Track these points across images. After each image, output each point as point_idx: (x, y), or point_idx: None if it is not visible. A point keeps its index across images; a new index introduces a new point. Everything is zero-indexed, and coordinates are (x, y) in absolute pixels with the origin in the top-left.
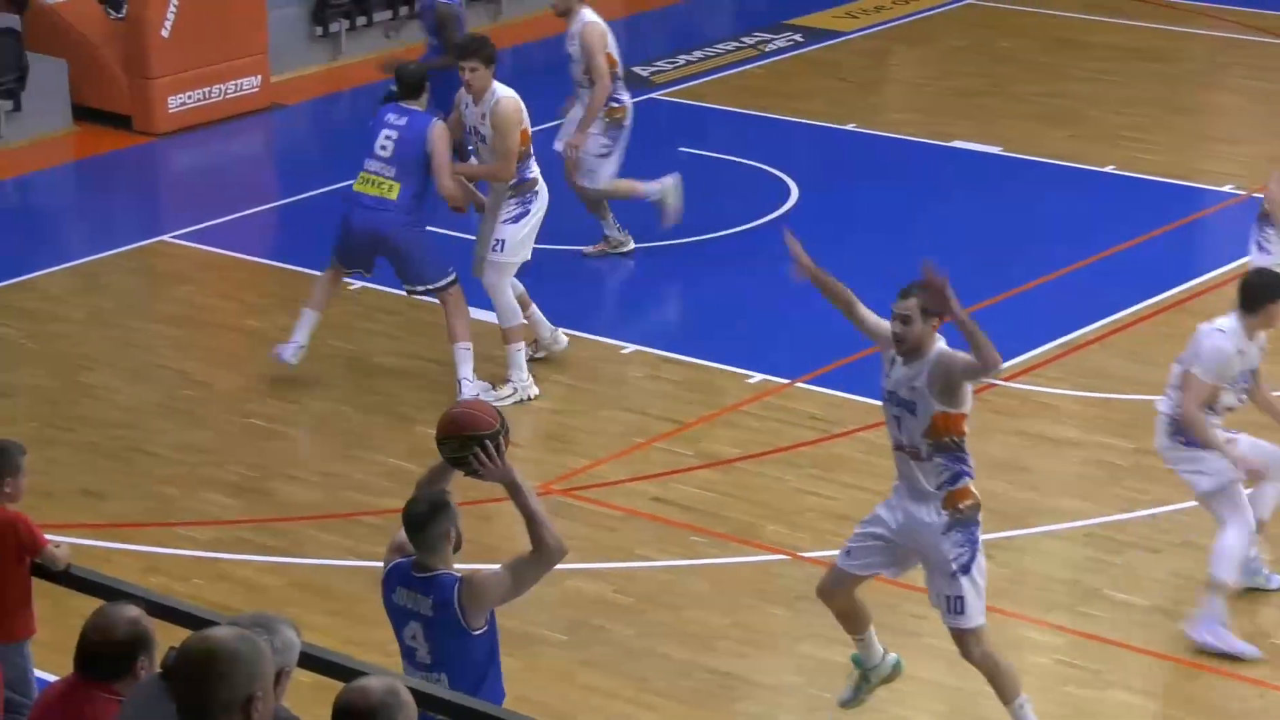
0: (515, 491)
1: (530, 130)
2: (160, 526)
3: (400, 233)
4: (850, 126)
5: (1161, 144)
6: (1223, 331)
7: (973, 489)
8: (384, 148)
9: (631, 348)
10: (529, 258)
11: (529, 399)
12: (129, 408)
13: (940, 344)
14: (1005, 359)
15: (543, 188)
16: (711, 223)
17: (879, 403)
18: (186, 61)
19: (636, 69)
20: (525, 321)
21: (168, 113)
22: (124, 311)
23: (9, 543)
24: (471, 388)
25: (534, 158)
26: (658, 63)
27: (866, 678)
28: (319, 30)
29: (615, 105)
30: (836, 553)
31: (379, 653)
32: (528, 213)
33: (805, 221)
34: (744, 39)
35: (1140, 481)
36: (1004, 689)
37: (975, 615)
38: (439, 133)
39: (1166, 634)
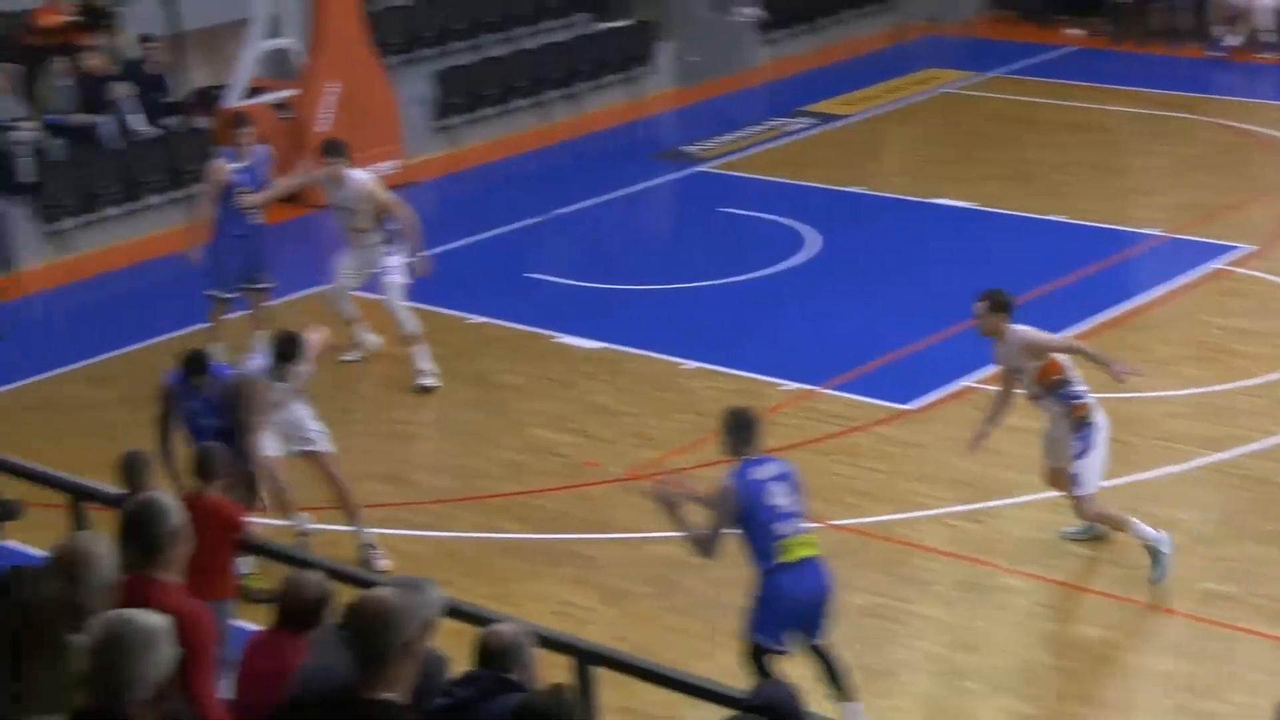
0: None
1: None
2: (332, 509)
3: None
4: (854, 188)
5: (1096, 196)
6: None
7: None
8: None
9: (692, 364)
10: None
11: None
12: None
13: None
14: (982, 368)
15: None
16: (748, 265)
17: (889, 404)
18: None
19: (686, 148)
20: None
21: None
22: None
23: (219, 522)
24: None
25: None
26: (703, 142)
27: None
28: (440, 123)
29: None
30: (857, 520)
31: (507, 605)
32: (398, 249)
33: (821, 263)
34: (769, 122)
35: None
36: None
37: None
38: None
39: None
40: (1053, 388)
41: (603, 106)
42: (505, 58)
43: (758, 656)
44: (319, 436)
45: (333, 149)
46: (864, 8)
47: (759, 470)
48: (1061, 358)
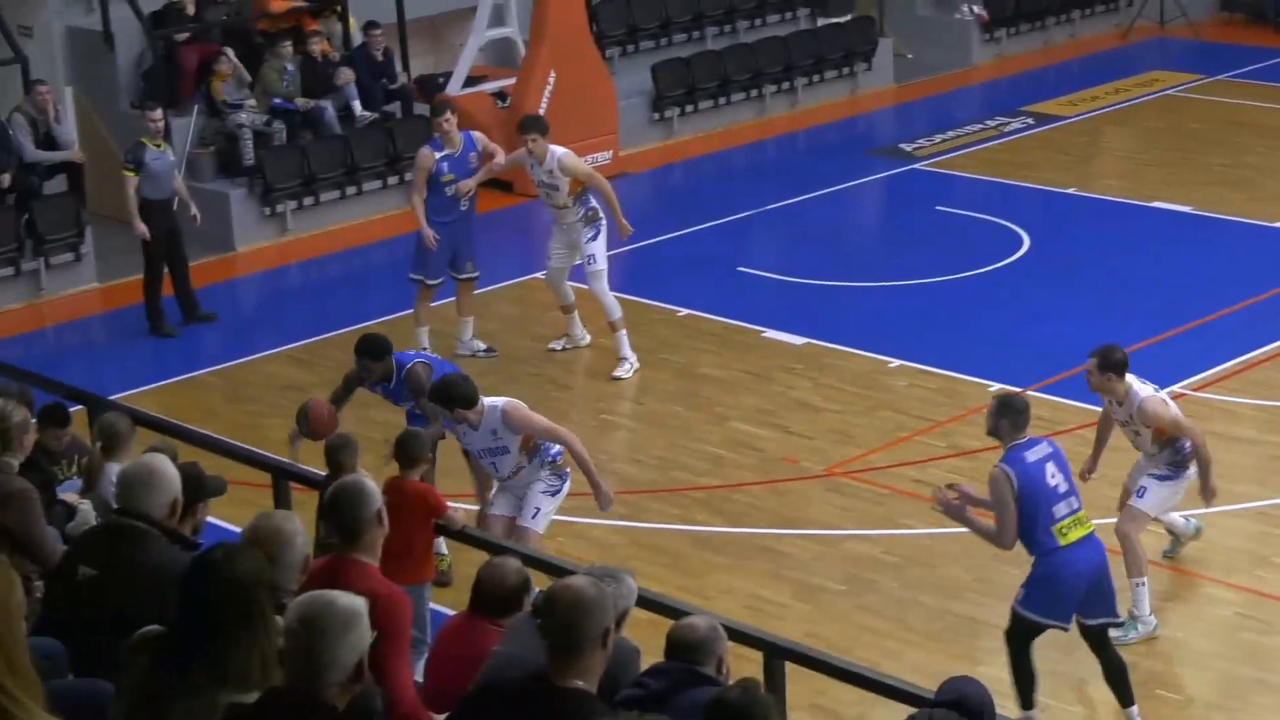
0: None
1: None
2: None
3: None
4: (1071, 190)
5: None
6: None
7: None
8: None
9: (897, 363)
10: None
11: (635, 369)
12: None
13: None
14: (1192, 375)
15: (603, 215)
16: (960, 265)
17: (1095, 407)
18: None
19: (903, 145)
20: (621, 316)
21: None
22: (507, 332)
23: (420, 507)
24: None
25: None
26: (920, 140)
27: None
28: (656, 115)
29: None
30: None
31: (699, 597)
32: (599, 231)
33: (1033, 264)
34: (987, 122)
35: None
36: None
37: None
38: None
39: None
40: (1167, 444)
41: (820, 102)
42: (723, 51)
43: (1023, 635)
44: None
45: (529, 124)
46: (1091, 8)
47: (1031, 452)
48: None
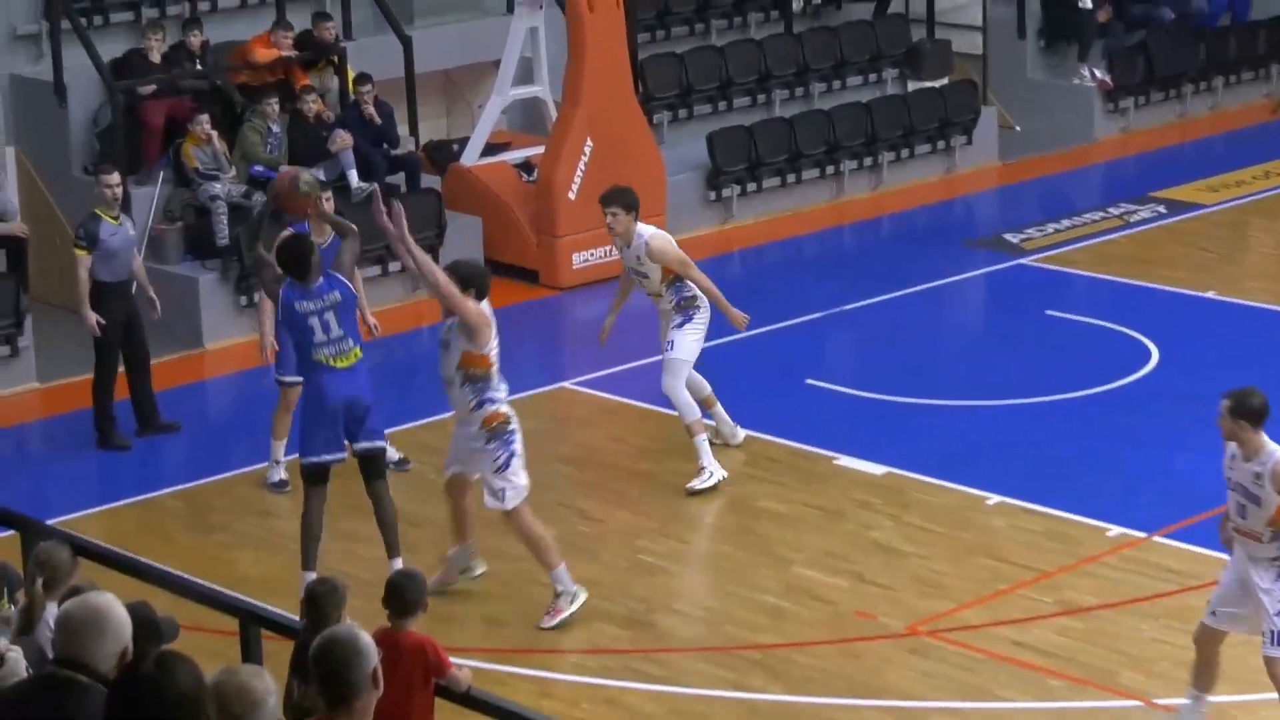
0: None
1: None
2: (553, 654)
3: None
4: (1210, 294)
5: None
6: None
7: None
8: None
9: (996, 498)
10: (696, 358)
11: (722, 479)
12: None
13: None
14: None
15: (704, 302)
16: (1074, 382)
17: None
18: (590, 222)
19: (1007, 235)
20: (700, 417)
21: (572, 268)
22: (529, 451)
23: (418, 664)
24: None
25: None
26: (1028, 230)
27: None
28: (712, 194)
29: None
30: (1186, 700)
31: None
32: (691, 320)
33: (1162, 382)
34: (1110, 209)
35: None
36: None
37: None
38: None
39: None
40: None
41: (909, 181)
42: (794, 119)
43: None
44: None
45: (610, 197)
46: (1236, 75)
47: None
48: None
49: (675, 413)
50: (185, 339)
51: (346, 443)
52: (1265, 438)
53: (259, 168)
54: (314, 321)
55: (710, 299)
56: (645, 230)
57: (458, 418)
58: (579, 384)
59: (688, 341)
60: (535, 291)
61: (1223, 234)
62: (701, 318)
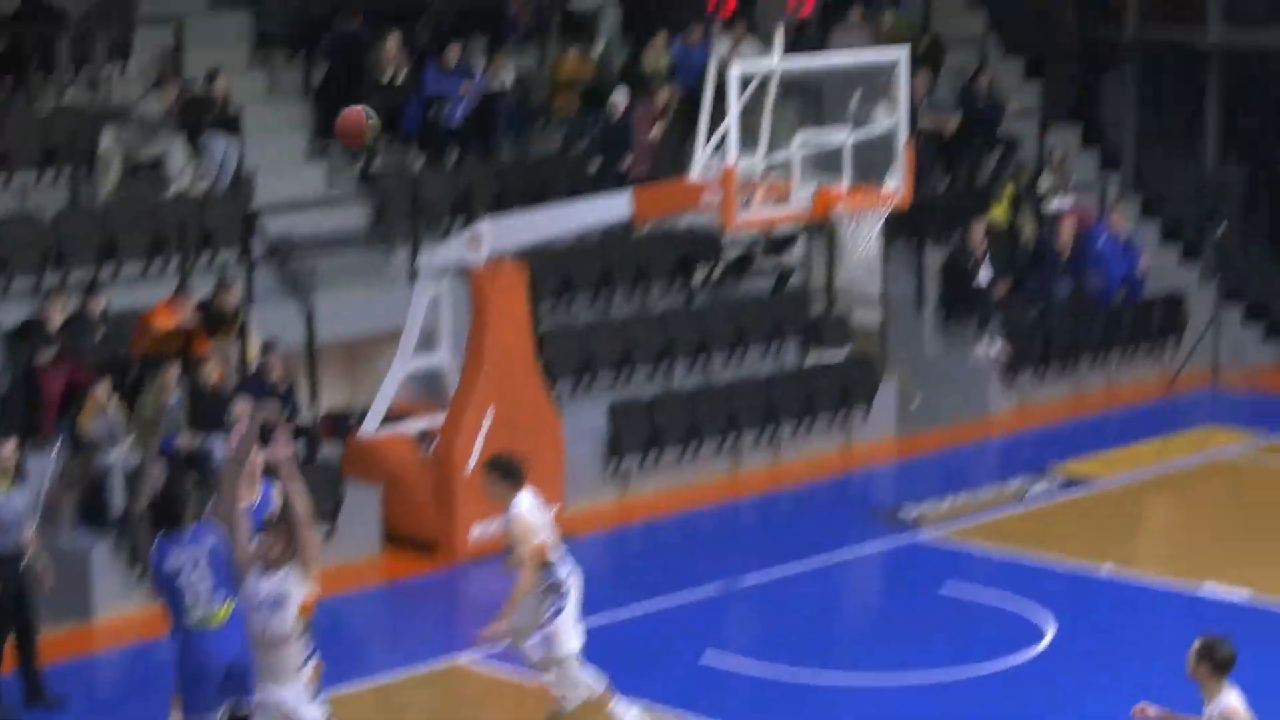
0: None
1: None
2: None
3: None
4: (1107, 570)
5: None
6: None
7: None
8: None
9: None
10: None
11: None
12: None
13: None
14: None
15: (569, 586)
16: (971, 658)
17: None
18: (484, 495)
19: (904, 510)
20: (606, 684)
21: (469, 541)
22: None
23: None
24: None
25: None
26: (924, 505)
27: None
28: (612, 466)
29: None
30: None
31: None
32: (561, 611)
33: (1059, 659)
34: (1007, 483)
35: None
36: None
37: None
38: None
39: None
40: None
41: (808, 455)
42: (694, 393)
43: None
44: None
45: (491, 463)
46: (1132, 351)
47: None
48: None
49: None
50: (75, 610)
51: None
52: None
53: (168, 440)
54: (183, 580)
55: (511, 599)
56: (519, 504)
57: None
58: (475, 661)
59: (565, 635)
60: (432, 563)
61: (1120, 509)
62: (570, 602)
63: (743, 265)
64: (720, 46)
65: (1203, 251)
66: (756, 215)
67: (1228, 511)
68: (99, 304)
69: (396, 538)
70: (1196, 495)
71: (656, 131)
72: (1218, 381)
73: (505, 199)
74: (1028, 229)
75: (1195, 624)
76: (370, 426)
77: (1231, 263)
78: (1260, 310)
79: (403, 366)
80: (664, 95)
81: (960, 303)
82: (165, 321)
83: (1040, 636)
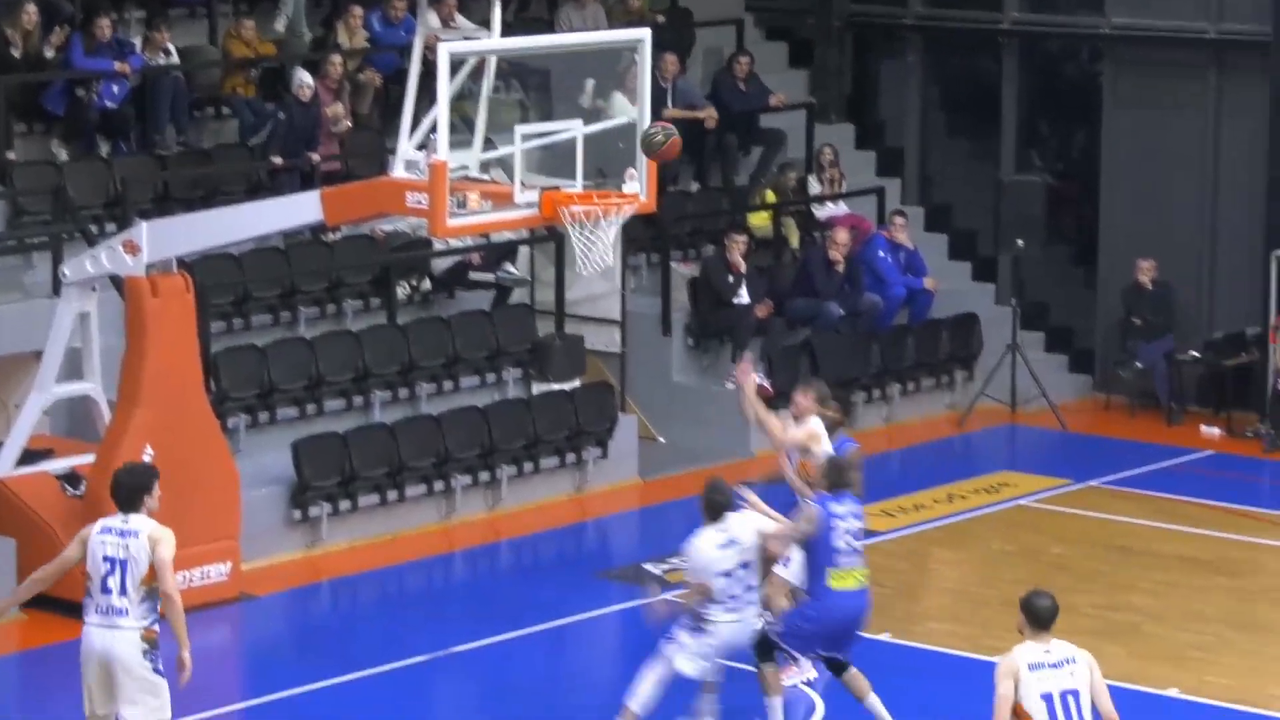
0: None
1: None
2: None
3: None
4: (884, 636)
5: (1231, 665)
6: None
7: None
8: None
9: None
10: None
11: None
12: None
13: None
14: None
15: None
16: None
17: None
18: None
19: (648, 566)
20: None
21: None
22: None
23: None
24: None
25: None
26: (671, 560)
27: None
28: (297, 513)
29: None
30: None
31: None
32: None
33: None
34: None
35: None
36: None
37: None
38: None
39: None
40: None
41: (533, 500)
42: (396, 426)
43: None
44: None
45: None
46: (915, 383)
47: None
48: None
49: None
50: None
51: None
52: None
53: None
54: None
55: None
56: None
57: None
58: None
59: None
60: (79, 628)
61: (900, 566)
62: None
63: (455, 278)
64: (428, 22)
65: (998, 269)
66: (472, 219)
67: (1027, 570)
68: None
69: (36, 598)
70: (990, 552)
71: (345, 117)
72: (1015, 419)
73: (168, 198)
74: (793, 240)
75: (987, 696)
76: (5, 466)
77: (1031, 283)
78: (1064, 337)
79: (44, 395)
80: (364, 78)
81: (714, 325)
82: None
83: (811, 709)
